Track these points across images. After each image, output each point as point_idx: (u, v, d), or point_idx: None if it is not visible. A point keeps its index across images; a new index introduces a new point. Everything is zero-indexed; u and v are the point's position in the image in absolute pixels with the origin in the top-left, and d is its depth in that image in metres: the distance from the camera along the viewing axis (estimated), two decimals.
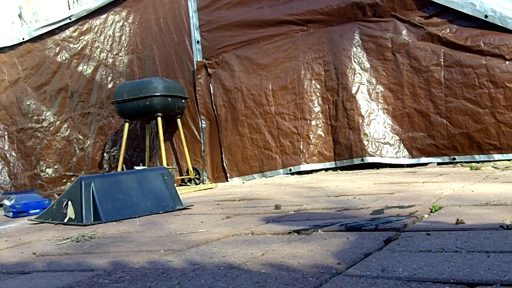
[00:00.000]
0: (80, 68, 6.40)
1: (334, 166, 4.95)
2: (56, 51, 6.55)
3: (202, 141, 5.65)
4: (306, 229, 1.83)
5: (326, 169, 5.00)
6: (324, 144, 5.01)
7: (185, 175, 5.64)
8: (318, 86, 5.08)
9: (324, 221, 1.98)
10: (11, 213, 3.74)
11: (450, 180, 3.15)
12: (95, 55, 6.33)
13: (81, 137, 6.43)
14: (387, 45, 4.78)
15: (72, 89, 6.46)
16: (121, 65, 6.19)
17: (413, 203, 2.24)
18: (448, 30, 4.54)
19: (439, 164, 4.53)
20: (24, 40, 6.73)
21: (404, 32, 4.71)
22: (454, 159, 4.48)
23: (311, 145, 5.03)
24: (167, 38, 5.89)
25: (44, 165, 6.63)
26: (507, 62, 4.26)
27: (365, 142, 4.76)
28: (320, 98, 5.07)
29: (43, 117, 6.65)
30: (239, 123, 5.38)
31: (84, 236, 2.12)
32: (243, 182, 5.01)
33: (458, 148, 4.47)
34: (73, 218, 2.69)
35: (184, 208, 2.92)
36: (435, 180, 3.25)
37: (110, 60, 6.24)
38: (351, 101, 4.87)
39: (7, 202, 3.88)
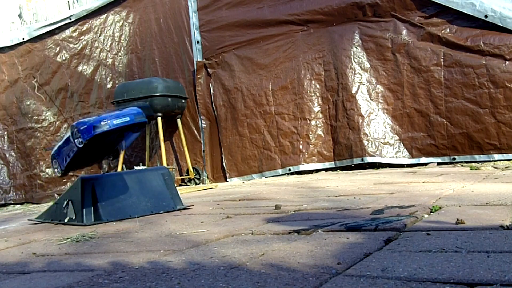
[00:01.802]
0: (80, 68, 6.40)
1: (333, 166, 4.95)
2: (56, 51, 6.55)
3: (202, 141, 5.65)
4: (306, 229, 1.83)
5: (326, 169, 5.00)
6: (324, 144, 5.01)
7: (185, 175, 5.64)
8: (318, 86, 5.08)
9: (324, 221, 1.98)
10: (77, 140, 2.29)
11: (450, 180, 3.15)
12: (95, 55, 6.33)
13: None
14: (387, 45, 4.78)
15: (72, 89, 6.46)
16: (120, 65, 6.19)
17: (413, 203, 2.24)
18: (448, 30, 4.54)
19: (439, 164, 4.53)
20: (24, 40, 6.73)
21: (404, 32, 4.71)
22: (454, 159, 4.48)
23: (310, 145, 5.03)
24: (167, 38, 5.89)
25: (44, 165, 6.62)
26: (507, 62, 4.26)
27: (365, 142, 4.76)
28: (320, 98, 5.07)
29: (43, 117, 6.65)
30: (239, 123, 5.38)
31: (84, 236, 2.12)
32: (243, 182, 5.01)
33: (458, 148, 4.47)
34: (74, 218, 2.69)
35: (184, 208, 2.92)
36: (435, 180, 3.25)
37: (110, 60, 6.24)
38: (351, 101, 4.87)
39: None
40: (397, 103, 4.76)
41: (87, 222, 2.61)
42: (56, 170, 2.46)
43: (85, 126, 2.21)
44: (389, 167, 4.68)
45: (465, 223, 1.70)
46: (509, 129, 4.26)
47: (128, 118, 2.29)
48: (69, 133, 2.27)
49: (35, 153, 6.68)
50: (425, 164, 4.59)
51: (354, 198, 2.68)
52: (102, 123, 2.23)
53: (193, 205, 3.06)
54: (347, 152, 4.85)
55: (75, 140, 2.24)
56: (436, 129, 4.55)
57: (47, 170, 6.61)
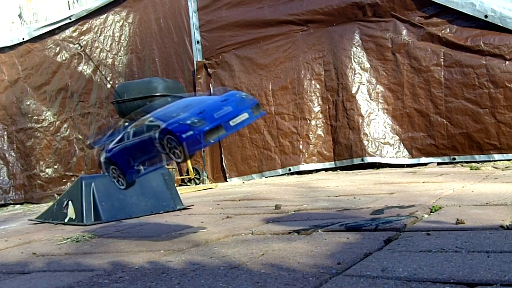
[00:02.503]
0: (80, 68, 6.40)
1: (333, 166, 4.95)
2: (56, 51, 6.55)
3: None
4: (306, 229, 1.83)
5: (326, 169, 5.00)
6: (324, 144, 5.01)
7: (185, 175, 5.64)
8: (318, 86, 5.08)
9: (324, 221, 1.98)
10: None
11: (450, 180, 3.15)
12: (95, 55, 6.33)
13: (81, 137, 6.43)
14: (387, 45, 4.78)
15: (72, 89, 6.46)
16: (120, 65, 6.19)
17: (413, 203, 2.24)
18: (448, 30, 4.54)
19: (439, 164, 4.53)
20: (24, 40, 6.73)
21: (404, 32, 4.71)
22: (454, 159, 4.48)
23: (310, 145, 5.03)
24: (167, 38, 5.89)
25: (44, 165, 6.62)
26: (507, 62, 4.26)
27: (365, 142, 4.76)
28: (320, 98, 5.07)
29: (43, 117, 6.65)
30: None
31: (84, 236, 2.12)
32: (243, 182, 5.01)
33: (458, 148, 4.47)
34: (74, 218, 2.69)
35: (184, 208, 2.92)
36: (435, 180, 3.25)
37: (110, 60, 6.24)
38: (351, 101, 4.87)
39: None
40: (397, 103, 4.76)
41: (87, 222, 2.61)
42: (118, 183, 1.67)
43: (190, 133, 1.41)
44: (389, 167, 4.68)
45: (465, 223, 1.70)
46: (509, 129, 4.26)
47: (246, 116, 1.57)
48: (147, 134, 1.50)
49: (35, 153, 6.68)
50: (425, 164, 4.58)
51: (354, 198, 2.68)
52: (212, 126, 1.43)
53: (193, 205, 3.06)
54: (347, 152, 4.85)
55: (172, 154, 1.44)
56: (436, 129, 4.55)
57: (47, 170, 6.60)
